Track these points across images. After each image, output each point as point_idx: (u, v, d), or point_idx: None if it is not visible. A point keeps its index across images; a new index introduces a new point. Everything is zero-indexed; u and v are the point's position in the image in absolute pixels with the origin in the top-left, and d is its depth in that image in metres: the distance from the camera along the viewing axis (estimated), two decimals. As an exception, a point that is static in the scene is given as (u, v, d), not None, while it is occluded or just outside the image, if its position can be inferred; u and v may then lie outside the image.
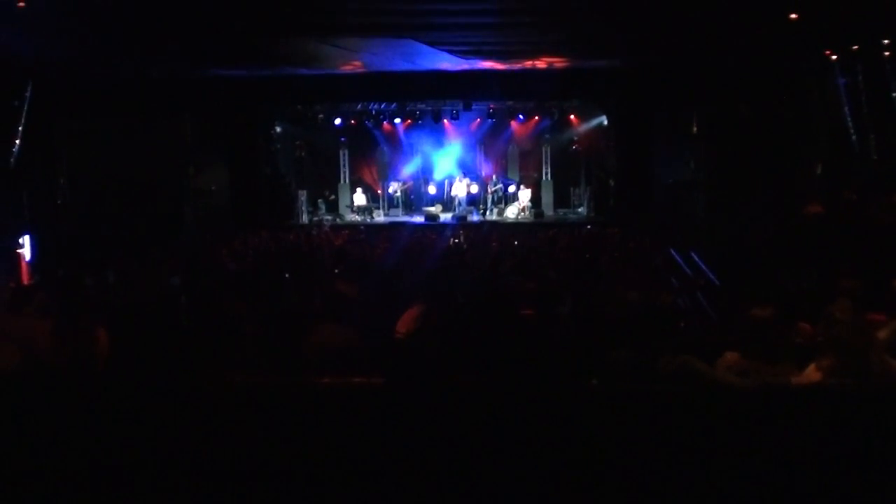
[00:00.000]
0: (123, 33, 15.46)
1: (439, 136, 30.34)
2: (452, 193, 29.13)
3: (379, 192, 30.05)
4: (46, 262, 18.02)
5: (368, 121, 28.14)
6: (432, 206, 28.68)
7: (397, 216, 28.40)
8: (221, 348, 6.18)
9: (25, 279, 17.12)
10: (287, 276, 14.94)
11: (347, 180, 30.35)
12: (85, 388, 5.20)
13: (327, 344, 6.36)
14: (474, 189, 29.37)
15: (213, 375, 5.40)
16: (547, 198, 29.28)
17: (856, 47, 17.15)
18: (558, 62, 20.63)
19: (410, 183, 30.27)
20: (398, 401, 4.74)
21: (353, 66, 20.11)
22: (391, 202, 29.70)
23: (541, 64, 20.97)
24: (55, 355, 5.92)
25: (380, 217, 28.54)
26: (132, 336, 6.75)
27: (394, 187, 29.67)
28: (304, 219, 27.02)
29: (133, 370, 5.95)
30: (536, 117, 28.58)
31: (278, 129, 27.13)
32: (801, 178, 20.40)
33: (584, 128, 29.15)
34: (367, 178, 30.67)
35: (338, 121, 27.45)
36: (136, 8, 13.45)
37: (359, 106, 27.16)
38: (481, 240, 18.98)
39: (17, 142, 19.58)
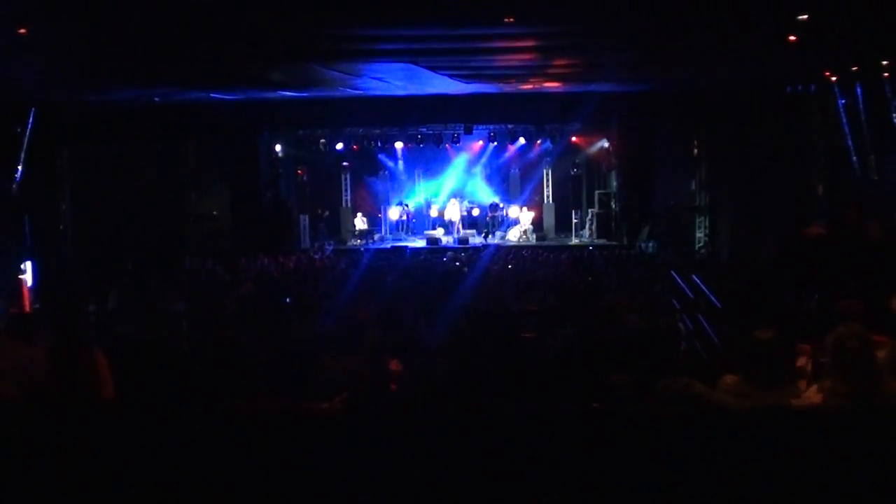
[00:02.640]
0: (122, 58, 15.46)
1: (441, 160, 30.36)
2: (446, 216, 29.16)
3: (380, 215, 30.03)
4: (48, 288, 18.03)
5: (370, 145, 28.10)
6: (434, 229, 28.65)
7: (399, 240, 28.34)
8: (224, 374, 6.19)
9: (27, 305, 17.13)
10: (288, 300, 14.94)
11: (349, 204, 30.37)
12: (86, 414, 5.18)
13: (339, 373, 6.33)
14: (476, 212, 29.40)
15: (215, 402, 5.39)
16: (549, 220, 29.27)
17: (855, 68, 17.16)
18: (560, 85, 20.66)
19: (412, 206, 30.26)
20: (402, 425, 4.72)
21: (354, 90, 20.12)
22: (394, 226, 29.71)
23: (542, 87, 21.00)
24: (54, 381, 5.93)
25: (381, 241, 28.51)
26: (134, 362, 6.76)
27: (396, 211, 29.67)
28: (306, 243, 26.96)
29: (135, 396, 5.96)
30: (538, 140, 28.50)
31: (280, 154, 27.12)
32: (802, 199, 20.39)
33: (586, 151, 29.12)
34: (365, 203, 30.59)
35: (339, 145, 27.41)
36: (136, 35, 13.45)
37: (360, 130, 27.12)
38: (483, 263, 18.96)
39: (20, 167, 19.64)
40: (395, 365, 6.75)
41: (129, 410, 5.27)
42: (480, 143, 29.05)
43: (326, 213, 29.22)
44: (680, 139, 23.65)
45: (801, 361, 6.25)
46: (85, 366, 6.01)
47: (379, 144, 28.02)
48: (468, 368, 6.50)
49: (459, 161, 30.37)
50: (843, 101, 18.32)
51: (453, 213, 28.96)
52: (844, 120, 18.38)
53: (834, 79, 18.31)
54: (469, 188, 30.82)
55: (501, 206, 29.56)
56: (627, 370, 5.98)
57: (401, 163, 30.53)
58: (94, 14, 11.99)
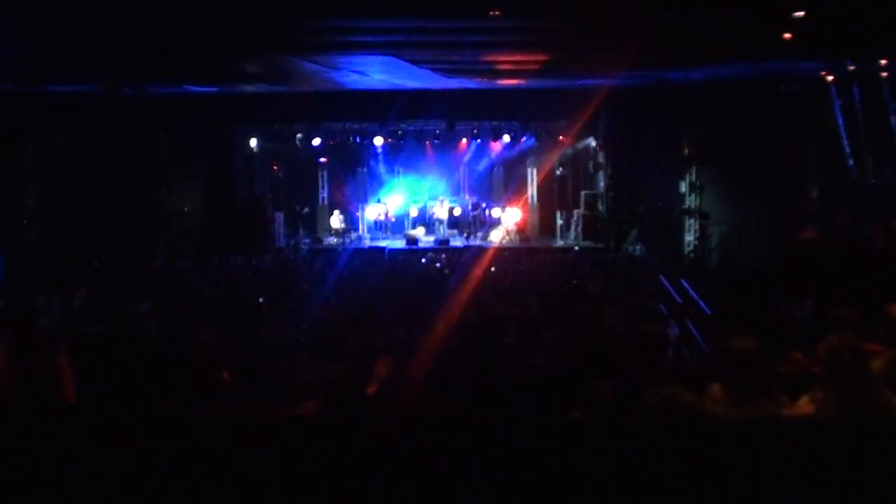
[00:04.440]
0: (93, 47, 15.28)
1: (422, 157, 30.14)
2: (433, 215, 28.91)
3: (357, 213, 29.72)
4: (12, 285, 17.76)
5: (348, 141, 27.77)
6: (414, 228, 28.44)
7: (377, 239, 28.06)
8: (192, 377, 6.16)
9: (-10, 302, 16.82)
10: (261, 301, 14.67)
11: (326, 202, 30.17)
12: (46, 416, 4.87)
13: (313, 377, 6.33)
14: (457, 212, 29.07)
15: (181, 406, 5.28)
16: (533, 221, 28.92)
17: (852, 68, 16.98)
18: (546, 81, 20.43)
19: (392, 205, 29.86)
20: (377, 432, 4.47)
21: (333, 83, 19.87)
22: (372, 225, 29.37)
23: (528, 83, 20.79)
24: (13, 383, 5.66)
25: (359, 240, 28.20)
26: (98, 362, 6.55)
27: (375, 209, 29.30)
28: (281, 242, 26.74)
29: (98, 399, 5.72)
30: (523, 138, 28.19)
31: (255, 149, 26.81)
32: (795, 202, 20.29)
33: (572, 149, 28.85)
34: (343, 200, 30.26)
35: (317, 141, 27.16)
36: (107, 23, 13.26)
37: (338, 125, 26.80)
38: (464, 265, 18.66)
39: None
40: (380, 368, 6.68)
41: (91, 414, 5.01)
42: (464, 140, 28.72)
43: (306, 209, 28.96)
44: (670, 139, 23.55)
45: (793, 370, 6.50)
46: (45, 366, 5.70)
47: (357, 140, 27.66)
48: (447, 374, 6.36)
49: (441, 158, 30.19)
50: (840, 102, 18.18)
51: (441, 212, 28.67)
52: (841, 121, 18.24)
53: (830, 78, 18.24)
54: (450, 187, 30.59)
55: (484, 205, 29.26)
56: (612, 377, 5.98)
57: (380, 159, 30.35)
58: (65, 2, 11.81)
